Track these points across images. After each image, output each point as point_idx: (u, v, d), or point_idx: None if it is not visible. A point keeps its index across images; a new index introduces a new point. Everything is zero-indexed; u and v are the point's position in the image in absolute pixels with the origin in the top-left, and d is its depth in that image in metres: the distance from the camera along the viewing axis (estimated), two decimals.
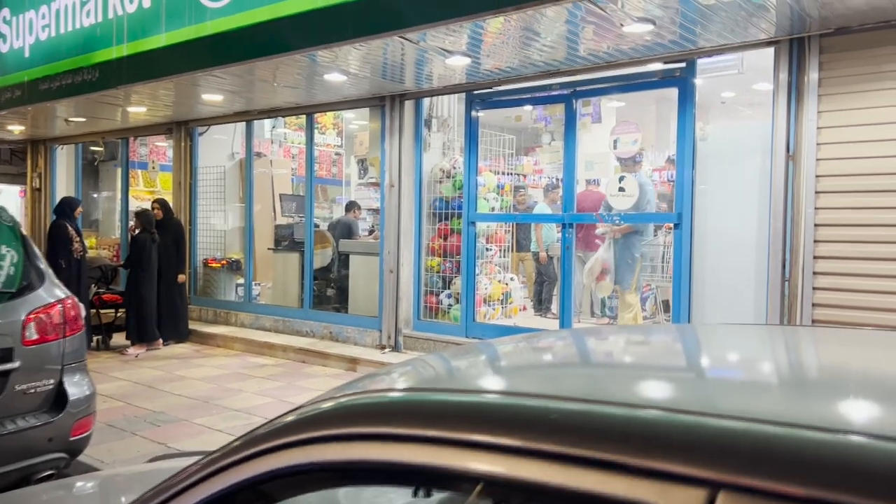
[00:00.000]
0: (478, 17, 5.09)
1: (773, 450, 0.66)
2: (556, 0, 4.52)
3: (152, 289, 8.45)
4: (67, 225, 8.52)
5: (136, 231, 8.62)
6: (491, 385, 1.06)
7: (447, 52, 5.97)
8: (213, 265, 10.22)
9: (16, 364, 3.65)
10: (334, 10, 5.64)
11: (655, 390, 0.99)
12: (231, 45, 6.44)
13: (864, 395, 0.94)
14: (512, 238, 9.84)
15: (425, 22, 5.23)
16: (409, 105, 7.63)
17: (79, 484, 2.79)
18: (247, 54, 6.42)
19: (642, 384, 1.02)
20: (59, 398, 3.83)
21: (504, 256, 8.85)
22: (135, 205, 11.47)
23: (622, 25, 5.06)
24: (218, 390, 6.73)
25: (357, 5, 5.51)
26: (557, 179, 10.57)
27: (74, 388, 3.91)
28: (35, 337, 3.77)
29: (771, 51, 5.46)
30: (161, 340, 8.58)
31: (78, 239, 8.52)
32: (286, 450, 0.87)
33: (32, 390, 3.74)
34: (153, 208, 9.02)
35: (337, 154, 12.24)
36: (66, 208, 8.78)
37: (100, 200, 13.30)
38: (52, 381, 3.83)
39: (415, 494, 1.82)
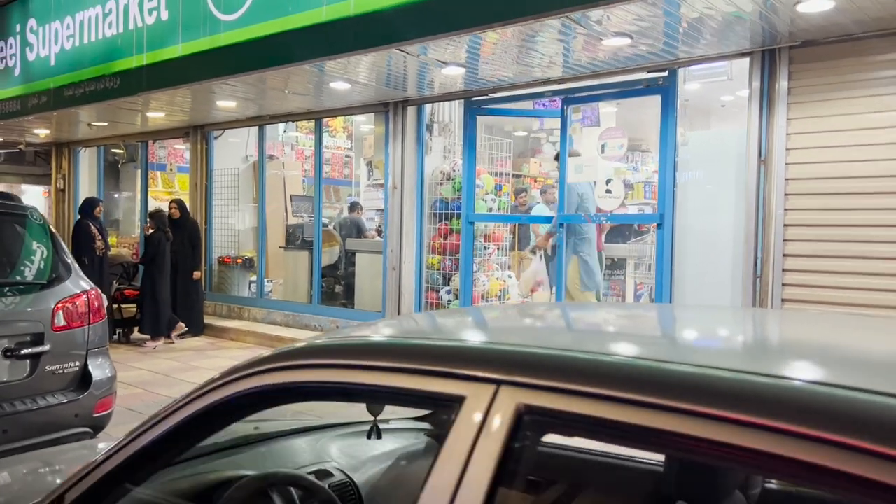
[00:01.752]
0: (469, 32, 5.48)
1: (523, 360, 1.06)
2: (536, 16, 4.92)
3: (166, 285, 8.90)
4: (90, 224, 9.03)
5: (150, 230, 9.06)
6: (389, 333, 1.49)
7: (443, 63, 6.37)
8: (228, 262, 10.70)
9: (46, 347, 4.09)
10: (337, 24, 6.06)
11: (471, 334, 1.45)
12: (243, 55, 6.88)
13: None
14: (514, 237, 10.23)
15: (421, 36, 5.63)
16: (411, 111, 8.04)
17: (101, 445, 3.22)
18: (258, 64, 6.85)
19: (467, 330, 1.50)
20: (83, 379, 4.27)
21: (504, 255, 9.24)
22: (153, 205, 12.00)
23: (601, 39, 5.44)
24: None
25: (357, 20, 5.93)
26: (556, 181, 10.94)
27: (97, 370, 4.34)
28: (63, 324, 4.21)
29: (747, 61, 5.81)
30: (167, 336, 8.94)
31: (100, 237, 9.03)
32: (271, 373, 1.28)
33: (60, 371, 4.18)
34: (170, 208, 9.48)
35: (347, 156, 12.68)
36: (87, 208, 9.31)
37: (120, 200, 13.84)
38: (77, 364, 4.27)
39: (369, 437, 2.22)
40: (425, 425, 2.62)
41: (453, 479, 0.99)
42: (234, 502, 1.65)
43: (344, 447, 2.36)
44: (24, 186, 21.52)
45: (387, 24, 5.75)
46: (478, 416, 1.02)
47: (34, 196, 19.65)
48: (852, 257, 5.26)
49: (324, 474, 2.11)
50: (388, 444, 2.44)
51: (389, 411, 2.31)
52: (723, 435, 0.85)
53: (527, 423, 1.00)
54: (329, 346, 1.33)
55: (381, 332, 1.48)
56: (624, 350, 1.11)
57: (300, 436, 2.41)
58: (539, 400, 1.00)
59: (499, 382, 1.04)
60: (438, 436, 2.51)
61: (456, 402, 1.06)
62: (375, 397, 1.38)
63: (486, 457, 0.99)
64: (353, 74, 7.07)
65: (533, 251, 7.09)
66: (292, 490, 1.88)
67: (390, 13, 5.67)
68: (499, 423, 1.00)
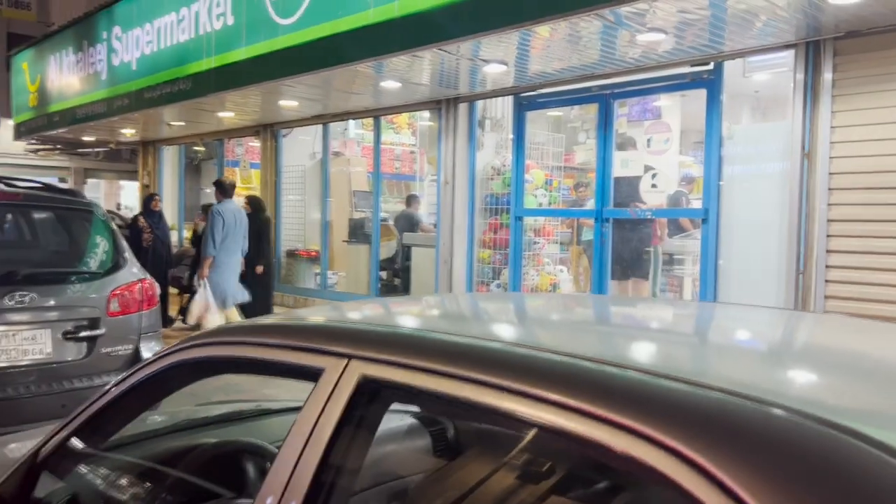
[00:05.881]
0: (514, 29, 5.56)
1: (365, 337, 1.22)
2: (567, 14, 4.99)
3: None
4: (140, 218, 9.71)
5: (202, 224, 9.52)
6: (287, 316, 1.70)
7: (485, 61, 6.51)
8: (296, 255, 11.16)
9: (102, 331, 4.48)
10: (383, 25, 6.28)
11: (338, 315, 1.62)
12: (298, 57, 7.21)
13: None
14: (573, 233, 10.24)
15: (461, 35, 5.78)
16: (462, 108, 8.20)
17: (152, 418, 3.53)
18: (312, 66, 7.16)
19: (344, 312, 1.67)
20: (136, 360, 4.64)
21: (565, 250, 9.30)
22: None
23: (645, 34, 5.46)
24: None
25: (403, 21, 6.13)
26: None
27: (149, 352, 4.71)
28: (118, 309, 4.60)
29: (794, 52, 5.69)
30: None
31: (149, 230, 9.61)
32: (189, 350, 1.50)
33: (115, 353, 4.57)
34: (244, 203, 9.97)
35: (411, 152, 12.94)
36: (144, 203, 10.12)
37: (201, 196, 14.58)
38: (130, 347, 4.65)
39: None
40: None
41: (304, 437, 1.17)
42: (201, 460, 1.87)
43: None
44: (122, 182, 22.86)
45: (429, 25, 5.93)
46: (331, 385, 1.20)
47: (131, 191, 20.88)
48: None
49: None
50: None
51: None
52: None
53: (364, 391, 1.17)
54: (229, 327, 1.53)
55: (280, 316, 1.68)
56: (437, 326, 1.26)
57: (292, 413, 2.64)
58: (375, 371, 1.16)
59: (350, 357, 1.21)
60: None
61: (318, 373, 1.24)
62: (264, 370, 1.56)
63: (330, 418, 1.16)
64: (404, 74, 7.28)
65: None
66: (267, 462, 2.10)
67: (432, 14, 5.85)
68: (344, 391, 1.17)
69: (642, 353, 1.19)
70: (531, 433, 1.06)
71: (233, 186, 8.52)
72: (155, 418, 2.87)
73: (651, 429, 0.86)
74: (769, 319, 1.80)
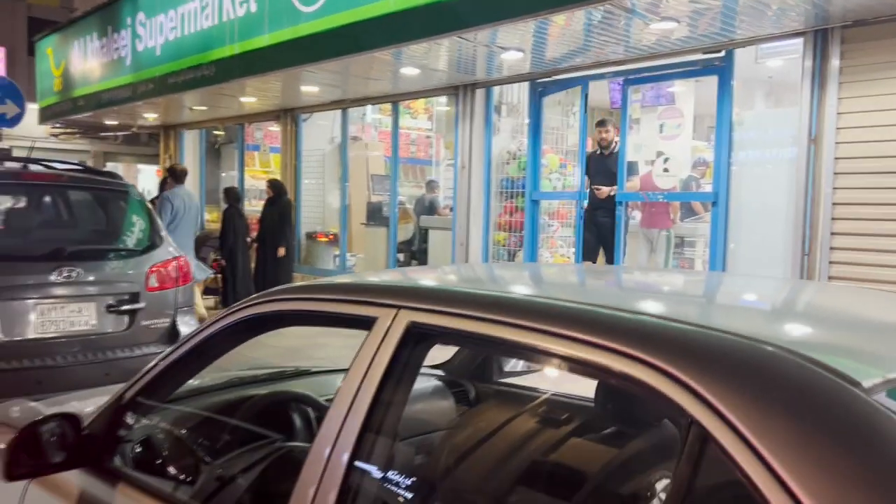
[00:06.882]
0: (532, 17, 5.77)
1: (412, 291, 1.47)
2: (583, 3, 5.18)
3: (240, 259, 9.70)
4: (154, 202, 10.09)
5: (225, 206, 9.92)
6: (337, 279, 1.95)
7: (502, 48, 6.72)
8: (315, 238, 11.47)
9: (141, 305, 4.77)
10: (405, 13, 6.49)
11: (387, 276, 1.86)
12: (321, 44, 7.43)
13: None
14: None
15: (479, 23, 5.99)
16: (479, 93, 8.40)
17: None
18: (334, 52, 7.39)
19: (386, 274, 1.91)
20: (172, 333, 4.94)
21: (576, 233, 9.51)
22: (249, 183, 12.95)
23: (658, 23, 5.65)
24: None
25: (424, 9, 6.34)
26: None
27: (185, 325, 5.01)
28: (156, 285, 4.88)
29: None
30: None
31: None
32: (261, 305, 1.76)
33: (154, 326, 4.86)
34: (266, 187, 10.37)
35: (427, 136, 13.17)
36: (159, 187, 10.48)
37: (220, 179, 14.88)
38: (168, 320, 4.94)
39: None
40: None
41: (362, 373, 1.42)
42: (253, 409, 2.14)
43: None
44: (140, 166, 23.17)
45: (448, 13, 6.13)
46: (383, 330, 1.45)
47: (149, 175, 21.18)
48: None
49: None
50: None
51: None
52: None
53: (411, 334, 1.42)
54: (295, 286, 1.79)
55: (334, 280, 1.94)
56: (470, 285, 1.51)
57: (332, 374, 2.90)
58: (420, 318, 1.41)
59: (399, 307, 1.46)
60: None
61: (373, 321, 1.49)
62: (326, 321, 1.81)
63: (383, 357, 1.41)
64: (423, 60, 7.49)
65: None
66: (309, 410, 2.36)
67: (451, 2, 6.06)
68: (394, 335, 1.42)
69: (637, 300, 1.43)
70: (550, 364, 1.30)
71: (184, 173, 9.38)
72: (192, 383, 3.16)
73: (645, 354, 1.10)
74: (760, 283, 2.04)
